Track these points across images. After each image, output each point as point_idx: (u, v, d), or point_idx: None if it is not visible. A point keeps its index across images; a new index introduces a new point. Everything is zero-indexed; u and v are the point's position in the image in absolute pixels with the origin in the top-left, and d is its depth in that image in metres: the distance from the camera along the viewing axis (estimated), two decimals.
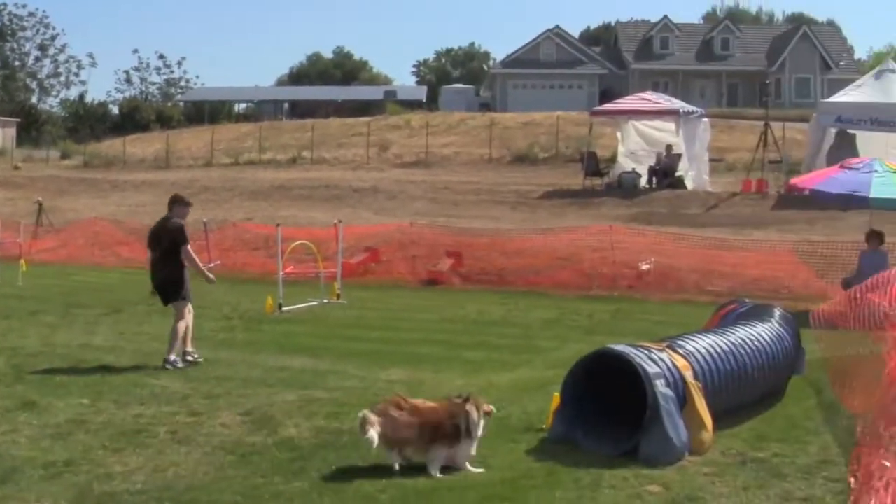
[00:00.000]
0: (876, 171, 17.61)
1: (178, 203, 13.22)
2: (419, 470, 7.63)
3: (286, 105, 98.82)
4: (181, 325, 12.47)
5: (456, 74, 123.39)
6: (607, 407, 8.66)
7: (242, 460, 7.96)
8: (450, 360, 12.85)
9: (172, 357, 12.19)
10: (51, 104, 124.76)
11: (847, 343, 10.56)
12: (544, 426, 8.86)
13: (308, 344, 14.29)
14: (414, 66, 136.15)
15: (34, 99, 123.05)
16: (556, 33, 79.78)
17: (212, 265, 26.03)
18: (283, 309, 18.00)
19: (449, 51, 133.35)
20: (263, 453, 8.15)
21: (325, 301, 19.40)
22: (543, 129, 53.53)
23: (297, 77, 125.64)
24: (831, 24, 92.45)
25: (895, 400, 5.76)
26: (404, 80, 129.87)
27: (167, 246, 12.67)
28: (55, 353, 13.13)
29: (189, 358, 12.42)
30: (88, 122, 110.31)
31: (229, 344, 14.27)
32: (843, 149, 31.48)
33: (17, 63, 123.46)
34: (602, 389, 8.68)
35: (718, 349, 9.22)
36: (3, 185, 52.49)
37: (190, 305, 12.82)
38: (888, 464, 4.68)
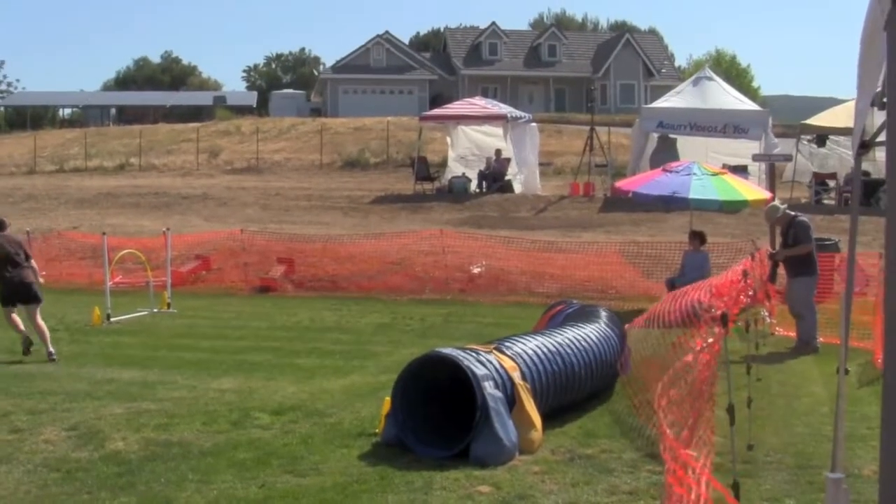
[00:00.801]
0: (694, 173, 18.22)
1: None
2: (252, 479, 7.60)
3: (113, 110, 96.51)
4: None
5: (286, 80, 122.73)
6: (438, 410, 8.77)
7: (67, 477, 7.76)
8: (282, 368, 12.80)
9: None
10: None
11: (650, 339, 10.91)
12: (377, 430, 8.91)
13: (137, 355, 14.02)
14: (244, 71, 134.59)
15: None
16: (386, 38, 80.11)
17: None
18: (112, 320, 17.61)
19: (279, 56, 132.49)
20: (89, 469, 7.96)
21: (155, 311, 19.04)
22: (374, 135, 53.70)
23: (124, 82, 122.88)
24: (653, 32, 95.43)
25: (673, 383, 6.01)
26: (234, 86, 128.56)
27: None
28: None
29: None
30: None
31: None
32: (665, 152, 32.61)
33: None
34: (433, 393, 8.78)
35: (545, 350, 9.43)
36: None
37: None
38: (695, 454, 4.88)
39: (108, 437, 8.94)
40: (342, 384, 11.57)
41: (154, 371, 12.59)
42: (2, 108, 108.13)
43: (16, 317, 13.99)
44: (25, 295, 14.05)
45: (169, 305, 19.37)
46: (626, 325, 11.75)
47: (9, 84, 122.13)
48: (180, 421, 9.44)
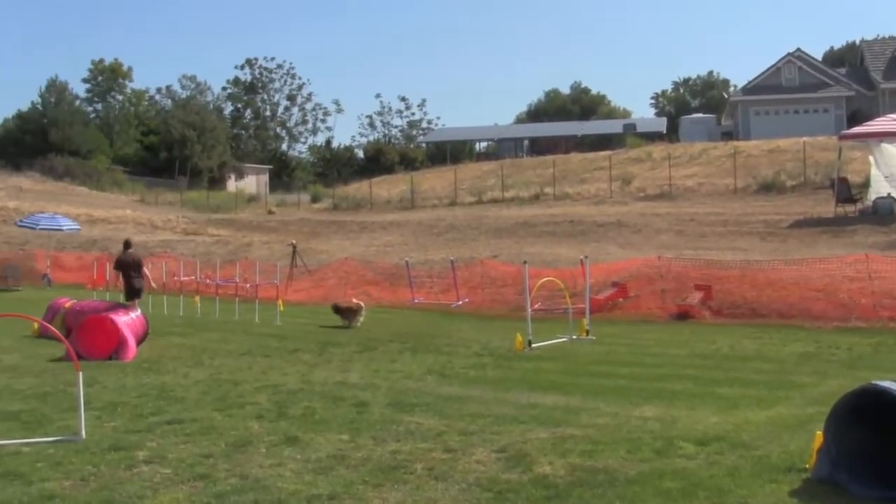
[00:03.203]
0: None
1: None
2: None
3: (526, 142, 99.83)
4: None
5: (695, 104, 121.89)
6: (876, 447, 8.24)
7: (499, 497, 7.97)
8: (703, 397, 12.54)
9: None
10: (300, 150, 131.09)
11: None
12: (807, 466, 8.50)
13: (558, 380, 14.25)
14: (652, 97, 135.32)
15: (284, 146, 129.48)
16: (798, 56, 77.50)
17: (459, 303, 26.61)
18: (533, 345, 18.05)
19: (687, 80, 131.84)
20: (519, 491, 8.14)
21: (574, 337, 19.35)
22: (789, 156, 52.05)
23: (536, 114, 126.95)
24: None
25: None
26: (643, 113, 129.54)
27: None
28: (314, 391, 13.56)
29: None
30: (335, 166, 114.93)
31: (481, 381, 14.39)
32: None
33: (267, 113, 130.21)
34: (870, 428, 8.26)
35: None
36: (258, 230, 55.12)
37: None
38: None
39: (536, 460, 9.10)
40: (767, 415, 11.16)
41: (576, 397, 12.73)
42: (424, 145, 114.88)
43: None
44: (137, 293, 23.09)
45: (588, 332, 19.62)
46: None
47: (429, 122, 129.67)
48: (604, 447, 9.46)
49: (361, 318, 23.54)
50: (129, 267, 23.32)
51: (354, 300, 24.75)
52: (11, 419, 11.61)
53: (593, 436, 10.10)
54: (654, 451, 9.32)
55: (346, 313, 23.58)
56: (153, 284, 25.21)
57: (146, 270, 24.31)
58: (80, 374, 10.57)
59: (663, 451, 9.29)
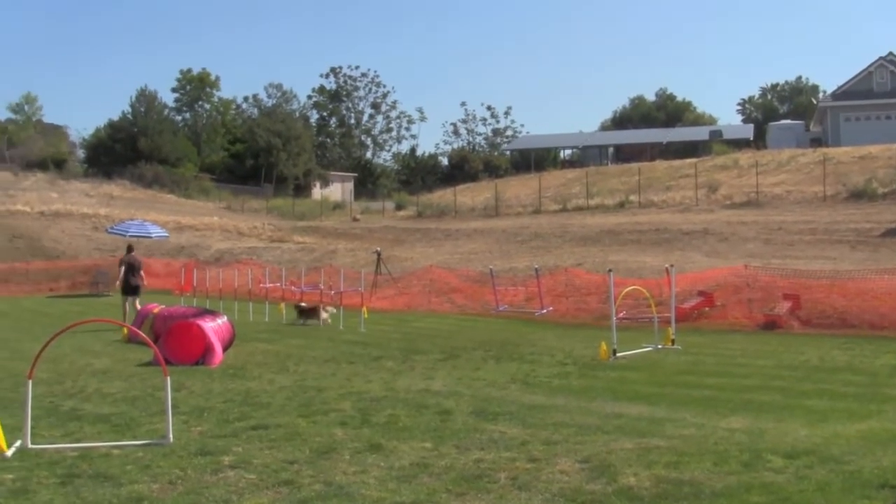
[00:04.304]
0: None
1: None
2: None
3: (611, 149, 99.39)
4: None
5: (783, 110, 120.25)
6: None
7: None
8: (791, 409, 12.31)
9: None
10: (384, 158, 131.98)
11: None
12: None
13: (643, 390, 14.11)
14: (738, 103, 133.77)
15: (369, 154, 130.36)
16: (890, 60, 75.94)
17: (544, 311, 26.52)
18: (618, 355, 17.91)
19: (774, 86, 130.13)
20: (603, 502, 8.04)
21: (660, 347, 19.17)
22: (881, 163, 51.05)
23: (621, 121, 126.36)
24: None
25: None
26: (729, 119, 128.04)
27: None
28: (397, 398, 13.59)
29: None
30: (420, 173, 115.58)
31: (565, 390, 14.31)
32: None
33: (352, 121, 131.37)
34: None
35: None
36: (343, 237, 55.54)
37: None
38: None
39: (620, 471, 8.99)
40: (858, 429, 10.91)
41: (661, 407, 12.58)
42: (508, 152, 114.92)
43: (127, 303, 26.69)
44: (133, 291, 26.87)
45: (673, 342, 19.41)
46: None
47: (514, 130, 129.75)
48: (690, 459, 9.32)
49: (325, 317, 26.48)
50: (131, 267, 27.19)
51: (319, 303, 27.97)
52: (102, 422, 11.82)
53: (679, 447, 9.97)
54: (741, 463, 9.17)
55: (309, 313, 26.50)
56: (146, 283, 28.94)
57: (143, 273, 28.09)
58: (168, 378, 10.72)
59: (751, 464, 9.14)
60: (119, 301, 27.98)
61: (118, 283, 27.63)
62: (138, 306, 25.81)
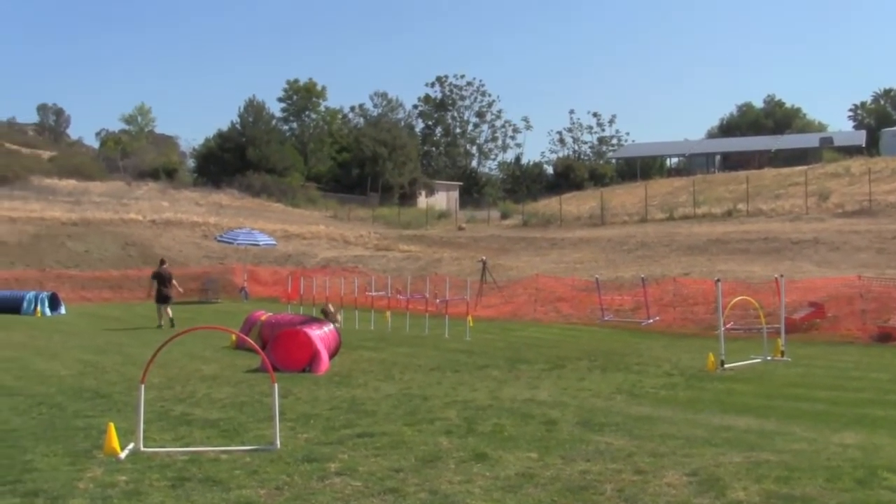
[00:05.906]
0: None
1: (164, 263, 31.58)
2: None
3: (718, 157, 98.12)
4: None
5: None
6: None
7: None
8: None
9: None
10: (489, 167, 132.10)
11: None
12: None
13: (752, 403, 13.86)
14: (850, 109, 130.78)
15: (474, 163, 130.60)
16: None
17: (650, 321, 26.26)
18: (726, 366, 17.63)
19: (888, 91, 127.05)
20: None
21: (769, 358, 18.83)
22: None
23: (728, 128, 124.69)
24: None
25: None
26: (840, 126, 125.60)
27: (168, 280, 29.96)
28: (503, 407, 13.56)
29: None
30: (525, 182, 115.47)
31: (671, 401, 14.13)
32: None
33: (457, 130, 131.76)
34: None
35: None
36: (449, 245, 55.70)
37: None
38: None
39: (729, 485, 8.84)
40: None
41: (771, 420, 12.34)
42: (613, 161, 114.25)
43: (162, 310, 29.29)
44: (165, 299, 29.44)
45: (783, 353, 19.05)
46: None
47: (619, 138, 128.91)
48: (801, 475, 9.12)
49: (340, 319, 28.01)
50: (162, 279, 29.94)
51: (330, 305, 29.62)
52: (210, 427, 12.01)
53: (789, 462, 9.76)
54: (855, 480, 8.94)
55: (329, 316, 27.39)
56: (181, 290, 32.07)
57: (175, 282, 30.59)
58: (276, 385, 10.84)
59: (865, 482, 8.90)
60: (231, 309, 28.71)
61: (151, 293, 30.53)
62: (170, 313, 29.23)
